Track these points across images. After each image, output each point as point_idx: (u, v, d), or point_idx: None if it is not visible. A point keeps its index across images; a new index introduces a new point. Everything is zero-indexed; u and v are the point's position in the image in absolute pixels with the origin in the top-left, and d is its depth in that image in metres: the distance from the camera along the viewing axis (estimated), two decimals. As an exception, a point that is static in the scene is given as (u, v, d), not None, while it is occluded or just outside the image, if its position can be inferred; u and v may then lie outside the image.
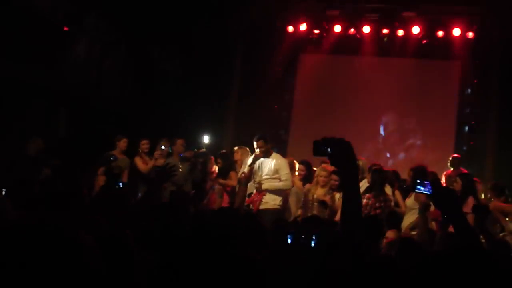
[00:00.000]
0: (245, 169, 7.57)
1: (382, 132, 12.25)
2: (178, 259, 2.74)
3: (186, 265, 2.52)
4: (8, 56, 9.09)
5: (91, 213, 3.63)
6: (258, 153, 7.51)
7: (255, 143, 7.54)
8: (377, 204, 6.78)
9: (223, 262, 2.37)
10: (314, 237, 2.52)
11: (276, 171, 7.53)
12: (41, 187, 5.50)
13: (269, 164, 7.54)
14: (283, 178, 7.54)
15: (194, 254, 2.80)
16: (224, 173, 8.71)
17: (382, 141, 12.23)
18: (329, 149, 2.49)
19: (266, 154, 7.56)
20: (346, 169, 2.55)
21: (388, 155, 12.07)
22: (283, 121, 12.96)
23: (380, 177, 7.02)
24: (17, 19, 9.19)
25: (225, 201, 8.59)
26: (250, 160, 7.57)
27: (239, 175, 7.65)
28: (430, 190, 2.58)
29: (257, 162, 7.58)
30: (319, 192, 7.47)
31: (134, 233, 3.11)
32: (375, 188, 6.94)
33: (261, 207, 7.29)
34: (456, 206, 2.55)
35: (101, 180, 7.83)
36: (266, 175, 7.47)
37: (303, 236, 2.54)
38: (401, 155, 11.89)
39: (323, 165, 7.89)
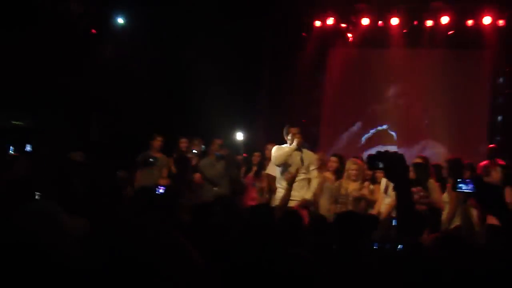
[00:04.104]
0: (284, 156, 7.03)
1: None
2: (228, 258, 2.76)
3: (237, 264, 2.54)
4: (39, 61, 9.24)
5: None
6: (299, 139, 6.98)
7: (292, 129, 7.02)
8: (423, 200, 6.64)
9: (276, 259, 2.39)
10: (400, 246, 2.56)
11: (307, 166, 7.10)
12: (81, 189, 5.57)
13: (301, 158, 7.05)
14: (311, 175, 7.12)
15: (244, 251, 2.83)
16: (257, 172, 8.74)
17: (414, 132, 12.09)
18: (381, 164, 2.55)
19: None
20: (400, 182, 2.58)
21: (421, 147, 11.92)
22: (314, 118, 12.86)
23: (422, 171, 6.77)
24: (45, 24, 9.34)
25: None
26: (294, 146, 6.97)
27: (286, 175, 6.80)
28: (473, 188, 2.56)
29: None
30: (352, 187, 7.20)
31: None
32: (419, 182, 6.67)
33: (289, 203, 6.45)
34: (500, 201, 2.51)
35: (139, 180, 7.89)
36: (301, 169, 6.89)
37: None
38: (435, 146, 11.72)
39: (353, 158, 7.67)
